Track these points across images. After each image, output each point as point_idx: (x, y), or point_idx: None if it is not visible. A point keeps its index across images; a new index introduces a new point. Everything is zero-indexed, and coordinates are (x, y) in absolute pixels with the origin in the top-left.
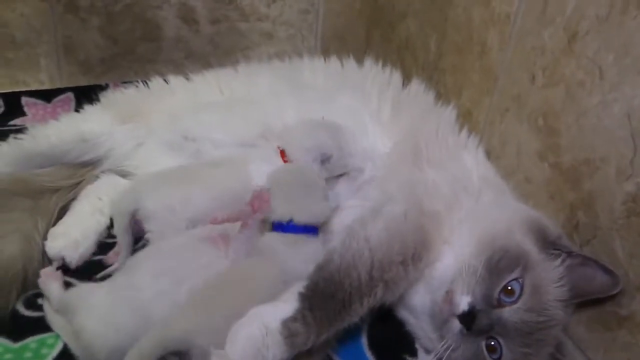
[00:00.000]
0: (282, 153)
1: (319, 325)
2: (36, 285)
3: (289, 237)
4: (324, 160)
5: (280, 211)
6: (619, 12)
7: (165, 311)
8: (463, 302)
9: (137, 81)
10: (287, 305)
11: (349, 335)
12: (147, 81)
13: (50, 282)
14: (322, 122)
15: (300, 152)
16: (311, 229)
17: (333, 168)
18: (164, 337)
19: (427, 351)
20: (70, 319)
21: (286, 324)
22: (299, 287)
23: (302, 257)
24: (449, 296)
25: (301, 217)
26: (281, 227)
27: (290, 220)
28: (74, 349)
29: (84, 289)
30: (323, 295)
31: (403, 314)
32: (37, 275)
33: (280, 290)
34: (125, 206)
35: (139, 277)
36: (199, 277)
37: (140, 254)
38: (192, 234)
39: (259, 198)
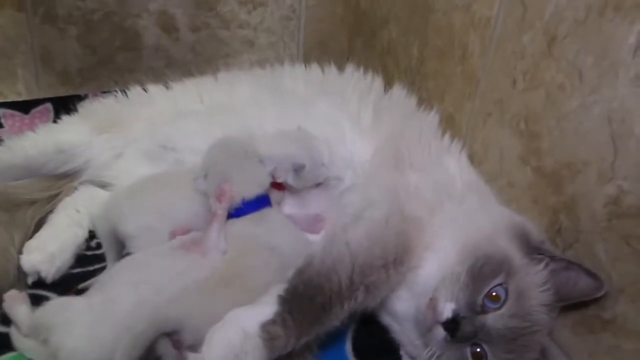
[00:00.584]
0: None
1: (299, 328)
2: None
3: (253, 217)
4: (297, 169)
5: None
6: (596, 15)
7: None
8: (447, 310)
9: (116, 91)
10: (265, 308)
11: (332, 341)
12: (127, 90)
13: (17, 305)
14: (294, 133)
15: (270, 164)
16: (265, 201)
17: (307, 177)
18: (157, 317)
19: (412, 358)
20: (44, 339)
21: (265, 327)
22: (279, 289)
23: (277, 230)
24: (432, 303)
25: (250, 191)
26: (238, 212)
27: (243, 200)
28: None
29: (58, 305)
30: (303, 299)
31: (387, 320)
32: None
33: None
34: (104, 231)
35: (116, 289)
36: (177, 285)
37: (114, 268)
38: (164, 244)
39: (219, 190)
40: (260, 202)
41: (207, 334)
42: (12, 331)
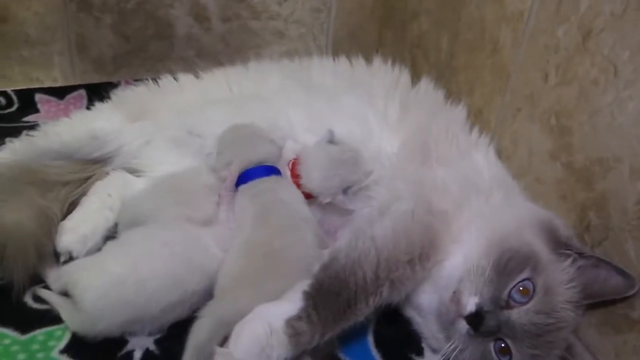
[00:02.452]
0: (293, 169)
1: (324, 324)
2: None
3: (266, 180)
4: (345, 190)
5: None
6: (634, 9)
7: (149, 266)
8: (470, 303)
9: (148, 79)
10: (291, 304)
11: (355, 334)
12: (158, 79)
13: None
14: (340, 156)
15: (321, 191)
16: (273, 169)
17: (354, 193)
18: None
19: (434, 351)
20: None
21: (290, 322)
22: (304, 285)
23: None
24: (456, 296)
25: (254, 156)
26: (244, 176)
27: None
28: (72, 322)
29: (77, 260)
30: (328, 294)
31: (410, 312)
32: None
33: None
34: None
35: (128, 237)
36: (186, 246)
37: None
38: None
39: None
40: (271, 168)
41: (234, 329)
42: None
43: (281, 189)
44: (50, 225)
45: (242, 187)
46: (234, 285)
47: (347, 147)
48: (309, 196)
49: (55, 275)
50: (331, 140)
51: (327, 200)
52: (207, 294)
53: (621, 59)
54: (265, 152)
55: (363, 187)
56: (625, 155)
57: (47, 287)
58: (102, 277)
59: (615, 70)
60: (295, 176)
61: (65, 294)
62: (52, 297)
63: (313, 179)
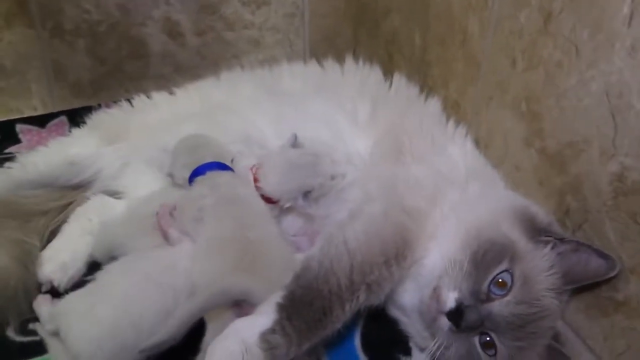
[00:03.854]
0: (255, 174)
1: (299, 334)
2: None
3: (223, 174)
4: (305, 194)
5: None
6: None
7: (140, 303)
8: (450, 299)
9: (122, 100)
10: (265, 318)
11: (341, 338)
12: (132, 99)
13: (43, 304)
14: (298, 157)
15: (278, 195)
16: (227, 167)
17: (316, 197)
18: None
19: (422, 350)
20: (59, 330)
21: (265, 336)
22: (277, 297)
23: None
24: (436, 293)
25: (206, 156)
26: (198, 171)
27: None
28: None
29: (66, 298)
30: (301, 304)
31: (394, 312)
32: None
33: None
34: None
35: (109, 276)
36: (165, 273)
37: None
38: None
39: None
40: (220, 164)
41: (208, 348)
42: (38, 328)
43: (239, 184)
44: (31, 259)
45: (199, 178)
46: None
47: (307, 151)
48: (270, 201)
49: (47, 316)
50: (294, 144)
51: (288, 204)
52: None
53: (582, 38)
54: (215, 154)
55: (338, 191)
56: (593, 137)
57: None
58: (95, 326)
59: (577, 51)
60: (255, 180)
61: None
62: (47, 340)
63: (270, 182)
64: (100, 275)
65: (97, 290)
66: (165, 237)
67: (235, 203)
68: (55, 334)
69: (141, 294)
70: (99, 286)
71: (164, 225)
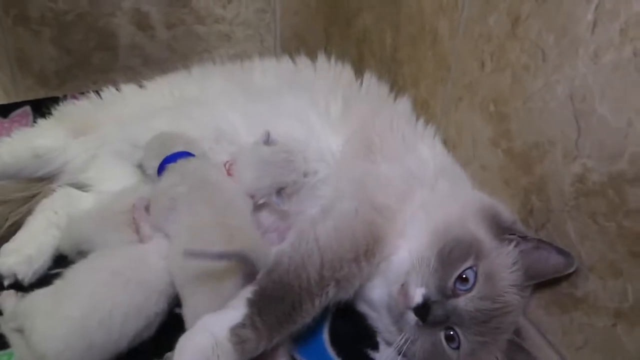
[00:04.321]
0: (229, 171)
1: (269, 329)
2: None
3: (191, 160)
4: (279, 191)
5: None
6: None
7: (109, 301)
8: (417, 295)
9: (90, 92)
10: (235, 312)
11: (310, 332)
12: (100, 91)
13: (8, 300)
14: (270, 155)
15: (253, 192)
16: (191, 154)
17: (290, 193)
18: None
19: (389, 344)
20: (23, 328)
21: (234, 330)
22: (247, 292)
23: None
24: (403, 289)
25: (173, 147)
26: (166, 161)
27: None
28: None
29: (31, 295)
30: (271, 299)
31: (363, 307)
32: None
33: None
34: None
35: (75, 274)
36: (135, 270)
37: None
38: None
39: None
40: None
41: (177, 342)
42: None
43: (208, 168)
44: None
45: (169, 165)
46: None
47: (280, 148)
48: None
49: (11, 313)
50: (267, 141)
51: (262, 201)
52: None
53: (548, 43)
54: (185, 144)
55: (310, 187)
56: (558, 139)
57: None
58: (62, 325)
59: (543, 55)
60: (228, 176)
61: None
62: (10, 335)
63: (244, 179)
64: (67, 273)
65: (63, 288)
66: (137, 231)
67: (209, 188)
68: (19, 331)
69: (110, 291)
70: (66, 284)
71: (137, 218)
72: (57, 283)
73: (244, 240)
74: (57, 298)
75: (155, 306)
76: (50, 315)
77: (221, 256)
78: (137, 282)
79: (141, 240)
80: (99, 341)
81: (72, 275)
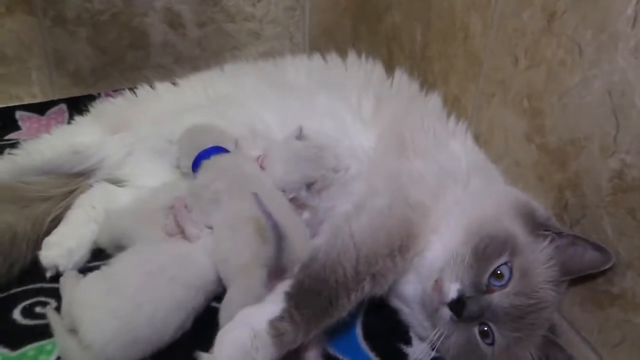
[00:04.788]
0: (261, 164)
1: (307, 322)
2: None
3: (224, 156)
4: (309, 186)
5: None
6: None
7: (155, 297)
8: (452, 290)
9: (125, 89)
10: (273, 306)
11: (343, 327)
12: (136, 89)
13: (69, 284)
14: (302, 149)
15: (282, 185)
16: (222, 149)
17: (319, 189)
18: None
19: (422, 339)
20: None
21: (273, 323)
22: (285, 286)
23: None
24: (438, 285)
25: (204, 142)
26: (199, 158)
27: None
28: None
29: (81, 284)
30: (309, 293)
31: (396, 303)
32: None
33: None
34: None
35: (124, 266)
36: (180, 266)
37: (120, 255)
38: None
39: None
40: (221, 149)
41: (217, 336)
42: (49, 310)
43: (243, 163)
44: (15, 243)
45: (204, 162)
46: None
47: (312, 144)
48: None
49: (65, 304)
50: (299, 136)
51: (292, 195)
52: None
53: (585, 38)
54: (215, 138)
55: (342, 183)
56: (595, 134)
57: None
58: (110, 318)
59: (580, 50)
60: (262, 169)
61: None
62: (55, 325)
63: (275, 172)
64: (115, 264)
65: (112, 279)
66: (183, 232)
67: (246, 182)
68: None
69: (155, 288)
70: (114, 275)
71: (181, 220)
72: (106, 271)
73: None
74: (107, 289)
75: (194, 301)
76: (99, 307)
77: (269, 218)
78: (180, 279)
79: (189, 240)
80: (144, 336)
81: (121, 267)
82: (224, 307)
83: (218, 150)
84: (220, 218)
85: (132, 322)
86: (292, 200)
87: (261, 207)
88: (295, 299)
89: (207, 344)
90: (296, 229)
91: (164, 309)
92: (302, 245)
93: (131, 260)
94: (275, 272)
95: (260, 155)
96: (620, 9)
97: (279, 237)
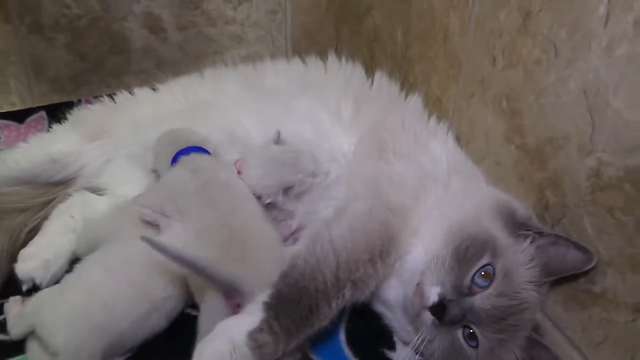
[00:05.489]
0: (239, 169)
1: (287, 332)
2: None
3: (204, 156)
4: (286, 190)
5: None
6: None
7: (113, 283)
8: (433, 294)
9: (104, 96)
10: (252, 317)
11: (326, 332)
12: (114, 95)
13: (15, 307)
14: (279, 154)
15: (259, 190)
16: (206, 151)
17: (297, 193)
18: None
19: (405, 343)
20: (34, 326)
21: (252, 335)
22: (264, 296)
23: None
24: (419, 288)
25: (188, 140)
26: (178, 154)
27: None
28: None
29: (38, 294)
30: (288, 302)
31: (379, 307)
32: None
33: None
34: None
35: (82, 265)
36: (143, 254)
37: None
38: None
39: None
40: (204, 150)
41: (196, 347)
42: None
43: (219, 168)
44: None
45: (183, 157)
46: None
47: (289, 148)
48: None
49: (16, 316)
50: (277, 140)
51: (269, 200)
52: (182, 301)
53: (560, 37)
54: (195, 140)
55: (323, 188)
56: (572, 133)
57: None
58: (65, 311)
59: (555, 50)
60: (239, 174)
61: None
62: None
63: (252, 177)
64: (76, 266)
65: (70, 280)
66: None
67: (217, 188)
68: (29, 332)
69: (112, 275)
70: (72, 275)
71: (149, 216)
72: (66, 277)
73: (244, 243)
74: (62, 289)
75: (162, 291)
76: (55, 305)
77: (178, 259)
78: (144, 267)
79: (162, 231)
80: (102, 323)
81: (80, 266)
82: (202, 318)
83: (198, 149)
84: (185, 221)
85: (88, 311)
86: (269, 205)
87: (160, 251)
88: (275, 309)
89: (186, 355)
90: (267, 243)
91: (122, 297)
92: (273, 260)
93: (91, 259)
94: (231, 295)
95: (237, 160)
96: (593, 8)
97: (200, 270)
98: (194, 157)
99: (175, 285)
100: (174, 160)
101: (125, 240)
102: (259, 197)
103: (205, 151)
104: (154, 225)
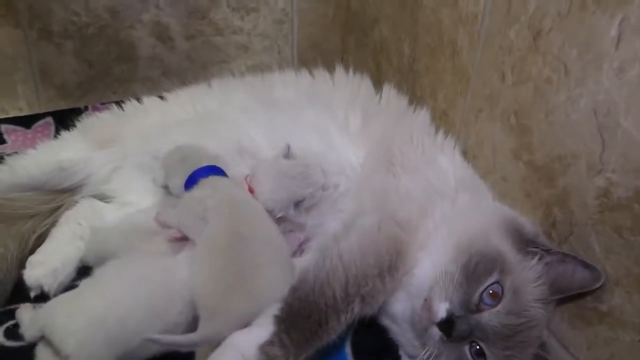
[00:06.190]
0: (249, 184)
1: (297, 346)
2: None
3: (224, 179)
4: (297, 204)
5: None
6: (578, 9)
7: (131, 299)
8: (441, 310)
9: (113, 103)
10: (262, 330)
11: (333, 345)
12: (123, 103)
13: (25, 312)
14: (290, 168)
15: (271, 204)
16: (221, 170)
17: (307, 206)
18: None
19: (411, 358)
20: (45, 330)
21: (263, 348)
22: (274, 309)
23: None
24: (427, 304)
25: (204, 161)
26: (195, 175)
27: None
28: None
29: (52, 300)
30: (298, 316)
31: (385, 321)
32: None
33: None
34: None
35: (103, 272)
36: (169, 280)
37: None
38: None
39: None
40: (214, 168)
41: None
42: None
43: (238, 189)
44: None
45: (203, 181)
46: (220, 293)
47: (299, 162)
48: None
49: (29, 320)
50: (286, 155)
51: (280, 214)
52: (191, 326)
53: (570, 57)
54: (208, 158)
55: (331, 201)
56: (581, 152)
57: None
58: (81, 318)
59: (565, 69)
60: (250, 190)
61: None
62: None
63: (263, 192)
64: (95, 272)
65: (88, 287)
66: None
67: (235, 207)
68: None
69: (132, 290)
70: (92, 279)
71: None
72: (83, 281)
73: (259, 257)
74: (80, 293)
75: (177, 315)
76: (70, 308)
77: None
78: (163, 288)
79: (195, 238)
80: (114, 335)
81: (100, 274)
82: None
83: (215, 169)
84: (203, 237)
85: (103, 321)
86: (281, 219)
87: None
88: (285, 322)
89: None
90: (279, 257)
91: (138, 313)
92: (284, 273)
93: (111, 268)
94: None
95: (247, 175)
96: (604, 30)
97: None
98: (215, 180)
99: (189, 312)
100: (192, 180)
101: (146, 258)
102: (270, 211)
103: (221, 171)
104: (170, 243)
